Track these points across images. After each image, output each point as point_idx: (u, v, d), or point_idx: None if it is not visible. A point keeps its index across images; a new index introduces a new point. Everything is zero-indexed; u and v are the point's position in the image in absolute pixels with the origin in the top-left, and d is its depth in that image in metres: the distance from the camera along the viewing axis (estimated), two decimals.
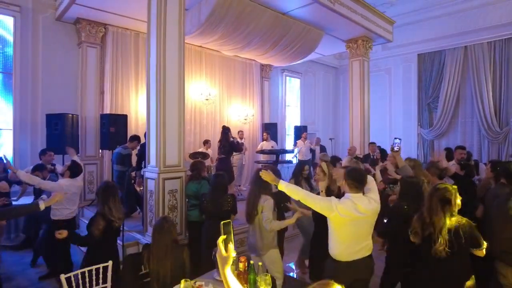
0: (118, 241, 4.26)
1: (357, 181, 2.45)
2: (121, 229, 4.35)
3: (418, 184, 3.12)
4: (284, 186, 2.57)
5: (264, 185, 3.16)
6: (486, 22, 9.54)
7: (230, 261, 1.46)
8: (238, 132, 8.47)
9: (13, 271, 4.54)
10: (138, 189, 6.05)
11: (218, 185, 3.77)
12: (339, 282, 1.24)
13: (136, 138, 5.87)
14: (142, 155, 5.16)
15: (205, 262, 3.44)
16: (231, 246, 1.48)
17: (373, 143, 7.84)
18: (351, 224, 2.41)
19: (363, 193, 2.51)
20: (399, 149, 3.62)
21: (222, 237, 1.47)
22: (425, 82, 11.22)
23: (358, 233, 2.46)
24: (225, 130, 6.99)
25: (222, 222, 1.54)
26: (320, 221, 2.83)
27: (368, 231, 2.53)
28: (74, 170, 4.14)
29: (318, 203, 2.49)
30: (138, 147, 5.75)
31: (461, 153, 5.29)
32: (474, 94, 10.02)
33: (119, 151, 5.63)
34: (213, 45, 7.38)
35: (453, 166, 4.54)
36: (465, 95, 10.36)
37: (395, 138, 3.70)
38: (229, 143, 6.91)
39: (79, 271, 2.67)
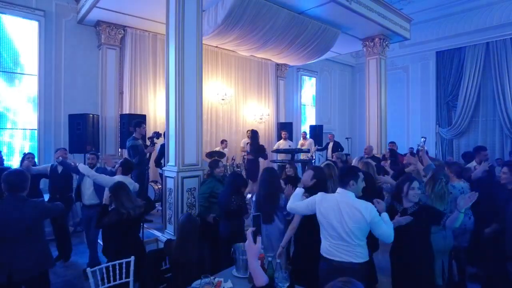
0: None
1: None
2: (141, 224, 4.46)
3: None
4: (299, 193, 2.85)
5: (277, 184, 3.21)
6: (510, 17, 9.26)
7: (258, 252, 1.52)
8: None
9: None
10: (156, 187, 6.20)
11: (229, 184, 3.76)
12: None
13: (138, 123, 5.42)
14: (162, 154, 5.28)
15: (224, 259, 3.50)
16: (259, 238, 1.54)
17: (393, 142, 7.95)
18: (331, 222, 2.43)
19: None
20: (422, 148, 3.72)
21: (252, 229, 1.53)
22: (443, 80, 10.98)
23: (340, 233, 2.39)
24: (255, 134, 7.40)
25: (253, 215, 1.61)
26: (306, 220, 2.88)
27: (351, 236, 2.38)
28: (126, 166, 4.18)
29: (305, 205, 2.66)
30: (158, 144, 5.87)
31: (485, 154, 5.12)
32: (496, 92, 9.75)
33: (127, 144, 5.45)
34: (230, 45, 7.45)
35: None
36: (486, 93, 10.09)
37: (422, 137, 3.92)
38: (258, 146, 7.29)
39: (103, 265, 2.77)
